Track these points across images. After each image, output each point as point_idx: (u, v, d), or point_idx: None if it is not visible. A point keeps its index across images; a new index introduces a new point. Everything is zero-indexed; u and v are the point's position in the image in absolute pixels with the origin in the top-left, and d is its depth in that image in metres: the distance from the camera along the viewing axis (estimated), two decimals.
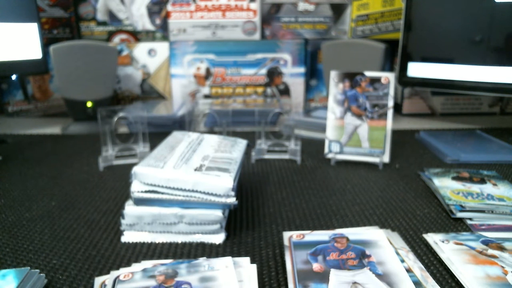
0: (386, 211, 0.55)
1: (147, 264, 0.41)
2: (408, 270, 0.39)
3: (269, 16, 1.11)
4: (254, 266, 0.40)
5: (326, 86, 1.03)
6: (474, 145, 0.80)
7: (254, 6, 1.08)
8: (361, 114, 0.72)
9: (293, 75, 1.10)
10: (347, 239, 0.44)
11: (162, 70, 1.13)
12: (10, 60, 0.90)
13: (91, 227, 0.51)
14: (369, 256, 0.41)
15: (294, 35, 1.12)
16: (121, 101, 1.15)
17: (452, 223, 0.52)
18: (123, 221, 0.47)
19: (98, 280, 0.40)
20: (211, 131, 0.93)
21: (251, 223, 0.52)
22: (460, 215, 0.52)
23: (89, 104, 0.97)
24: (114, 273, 0.38)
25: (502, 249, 0.43)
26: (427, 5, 0.91)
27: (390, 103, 0.71)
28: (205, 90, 1.11)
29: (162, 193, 0.46)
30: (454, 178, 0.63)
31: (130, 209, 0.47)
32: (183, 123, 0.92)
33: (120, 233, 0.49)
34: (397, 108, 1.11)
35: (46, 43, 0.97)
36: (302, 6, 1.10)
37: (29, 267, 0.40)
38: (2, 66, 0.89)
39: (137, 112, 0.75)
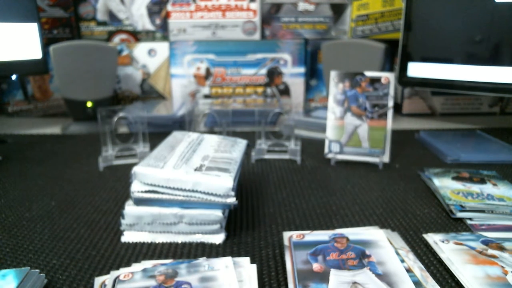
0: (386, 211, 0.55)
1: (147, 264, 0.41)
2: (408, 270, 0.39)
3: (269, 16, 1.11)
4: (254, 266, 0.40)
5: (326, 86, 1.03)
6: (474, 145, 0.80)
7: (254, 6, 1.08)
8: (361, 114, 0.72)
9: (293, 75, 1.10)
10: (347, 239, 0.44)
11: (162, 70, 1.13)
12: (10, 60, 0.90)
13: (91, 227, 0.51)
14: (369, 256, 0.41)
15: (294, 35, 1.12)
16: (121, 101, 1.15)
17: (452, 223, 0.52)
18: (123, 221, 0.47)
19: (98, 280, 0.40)
20: (211, 131, 0.93)
21: (251, 223, 0.52)
22: (460, 215, 0.52)
23: (89, 104, 0.97)
24: (114, 273, 0.38)
25: (502, 249, 0.43)
26: (427, 5, 0.91)
27: (390, 103, 0.71)
28: (205, 90, 1.11)
29: (162, 193, 0.46)
30: (454, 178, 0.63)
31: (130, 209, 0.47)
32: (183, 123, 0.92)
33: (120, 233, 0.49)
34: (397, 108, 1.11)
35: (46, 43, 0.97)
36: (302, 6, 1.10)
37: (29, 267, 0.40)
38: (2, 66, 0.89)
39: (137, 112, 0.75)
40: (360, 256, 0.41)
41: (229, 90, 1.11)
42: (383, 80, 0.71)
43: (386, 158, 0.72)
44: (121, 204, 0.57)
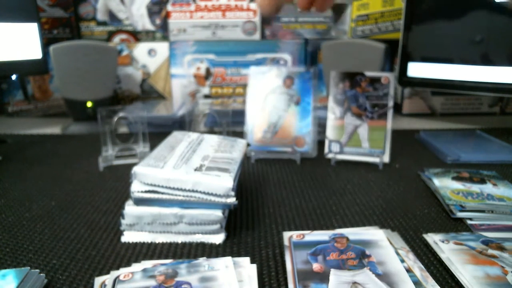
0: (386, 211, 0.55)
1: (147, 264, 0.41)
2: (408, 270, 0.39)
3: (269, 16, 1.11)
4: (254, 266, 0.40)
5: (326, 86, 1.03)
6: (474, 145, 0.80)
7: (254, 6, 1.08)
8: (361, 114, 0.72)
9: None
10: (347, 239, 0.44)
11: (162, 70, 1.13)
12: (10, 60, 0.90)
13: (91, 227, 0.51)
14: (369, 256, 0.41)
15: (294, 35, 1.12)
16: (121, 101, 1.15)
17: (452, 223, 0.52)
18: (123, 221, 0.47)
19: (98, 280, 0.40)
20: (211, 131, 0.93)
21: (251, 223, 0.52)
22: (460, 215, 0.52)
23: (89, 104, 0.97)
24: (114, 273, 0.38)
25: (502, 249, 0.43)
26: (427, 5, 0.91)
27: (390, 103, 0.71)
28: (205, 90, 1.11)
29: (162, 193, 0.46)
30: (454, 178, 0.63)
31: (130, 209, 0.47)
32: (183, 123, 0.92)
33: (120, 233, 0.49)
34: (397, 108, 1.11)
35: (46, 43, 0.97)
36: None
37: (29, 267, 0.40)
38: (2, 66, 0.89)
39: (137, 112, 0.75)
40: (360, 256, 0.41)
41: (229, 90, 1.11)
42: (383, 80, 0.71)
43: (386, 158, 0.72)
44: (121, 204, 0.57)
